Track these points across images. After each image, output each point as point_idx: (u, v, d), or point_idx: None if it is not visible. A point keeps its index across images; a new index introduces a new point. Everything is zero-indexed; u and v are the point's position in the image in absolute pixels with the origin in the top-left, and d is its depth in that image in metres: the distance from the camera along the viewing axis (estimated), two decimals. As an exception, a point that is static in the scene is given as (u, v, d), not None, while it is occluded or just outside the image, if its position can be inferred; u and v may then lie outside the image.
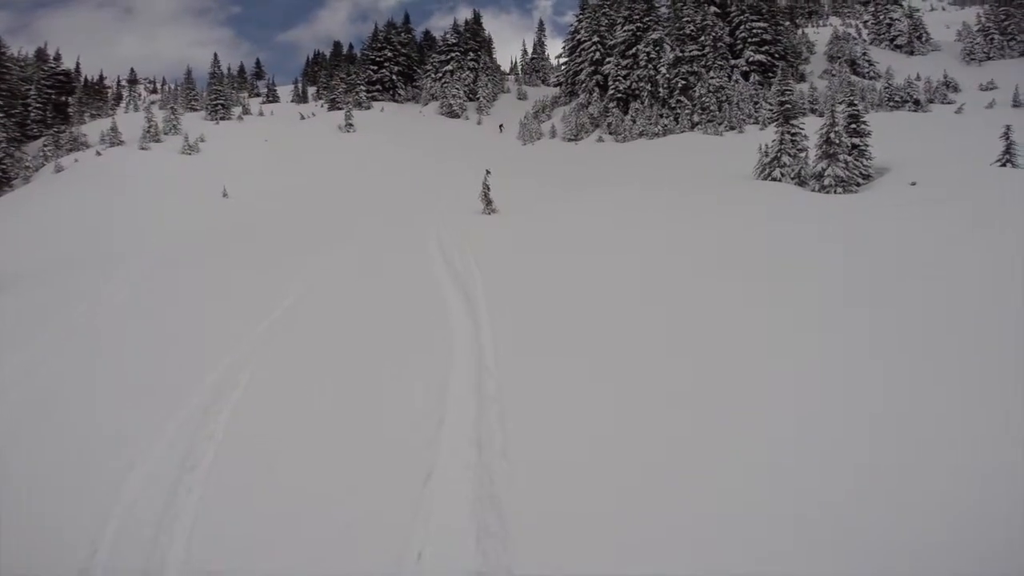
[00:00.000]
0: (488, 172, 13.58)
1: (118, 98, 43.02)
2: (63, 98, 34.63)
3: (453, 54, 39.93)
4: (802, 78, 29.03)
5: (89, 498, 3.46)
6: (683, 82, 26.54)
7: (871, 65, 29.92)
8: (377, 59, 40.77)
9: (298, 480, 3.49)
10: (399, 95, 40.76)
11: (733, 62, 28.49)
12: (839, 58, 30.36)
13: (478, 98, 37.48)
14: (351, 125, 30.77)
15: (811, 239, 7.53)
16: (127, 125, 26.90)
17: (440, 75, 39.32)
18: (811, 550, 2.47)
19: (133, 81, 51.95)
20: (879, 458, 2.99)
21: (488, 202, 12.93)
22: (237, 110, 33.11)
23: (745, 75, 27.89)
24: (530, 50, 46.26)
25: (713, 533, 2.64)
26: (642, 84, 27.47)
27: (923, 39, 33.99)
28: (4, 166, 24.49)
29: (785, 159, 13.52)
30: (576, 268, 7.24)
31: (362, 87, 37.62)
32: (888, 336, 4.30)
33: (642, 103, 27.09)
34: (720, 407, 3.65)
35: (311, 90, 42.43)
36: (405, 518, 3.01)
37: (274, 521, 3.15)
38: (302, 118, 33.20)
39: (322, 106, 37.50)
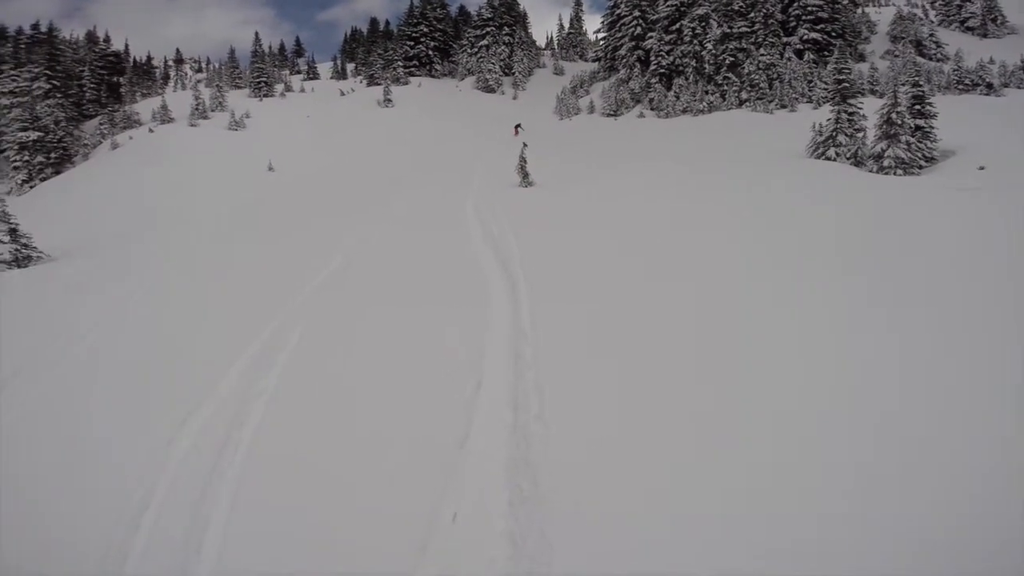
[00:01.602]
0: (525, 145, 13.47)
1: (166, 78, 44.45)
2: (115, 79, 35.93)
3: (488, 29, 39.37)
4: (861, 58, 27.48)
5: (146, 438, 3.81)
6: (731, 59, 25.47)
7: (939, 47, 28.05)
8: (413, 35, 40.65)
9: (341, 435, 3.58)
10: (435, 70, 40.69)
11: (785, 39, 27.14)
12: (903, 38, 28.58)
13: (513, 73, 37.05)
14: (389, 100, 30.97)
15: (868, 221, 7.08)
16: (176, 103, 27.88)
17: (475, 50, 38.94)
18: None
19: (179, 61, 53.43)
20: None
21: (525, 175, 12.77)
22: (279, 87, 33.74)
23: (799, 53, 26.57)
24: (567, 25, 45.19)
25: (742, 507, 2.58)
26: (686, 60, 26.52)
27: (998, 21, 31.35)
28: (64, 144, 25.75)
29: (841, 138, 12.99)
30: (615, 241, 7.11)
31: (399, 63, 37.70)
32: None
33: (686, 79, 26.20)
34: (756, 386, 3.52)
35: (350, 67, 42.76)
36: (441, 478, 3.05)
37: (315, 473, 3.25)
38: (342, 94, 33.59)
39: (361, 82, 37.81)
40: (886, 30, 30.03)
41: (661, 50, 27.48)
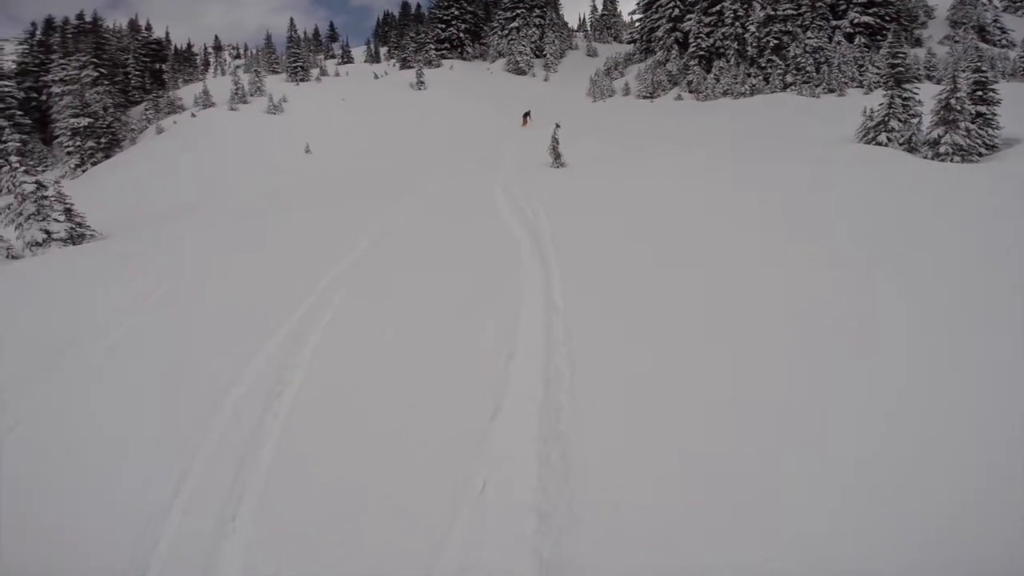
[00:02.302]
0: (558, 126, 13.24)
1: (206, 64, 45.66)
2: (157, 65, 37.17)
3: (519, 11, 38.81)
4: (917, 43, 25.95)
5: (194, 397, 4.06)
6: (775, 41, 24.38)
7: (1004, 32, 26.26)
8: (444, 17, 40.50)
9: (372, 405, 3.66)
10: (467, 53, 40.51)
11: (835, 23, 25.81)
12: (964, 24, 26.88)
13: (545, 55, 36.54)
14: (422, 83, 31.05)
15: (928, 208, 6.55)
16: (216, 88, 28.68)
17: (506, 32, 38.53)
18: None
19: (218, 48, 54.72)
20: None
21: (557, 155, 12.58)
22: (315, 72, 34.22)
23: (849, 37, 25.23)
24: (600, 6, 44.13)
25: (776, 482, 2.53)
26: (727, 42, 25.54)
27: (1069, 8, 29.16)
28: (113, 130, 26.91)
29: (894, 124, 12.28)
30: (650, 223, 6.93)
31: (431, 45, 37.69)
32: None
33: (727, 61, 25.25)
34: (791, 375, 3.39)
35: (383, 50, 43.00)
36: (471, 449, 3.08)
37: (346, 441, 3.35)
38: (376, 77, 33.86)
39: (394, 65, 37.99)
40: (945, 15, 28.44)
41: (700, 32, 26.57)
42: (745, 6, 25.27)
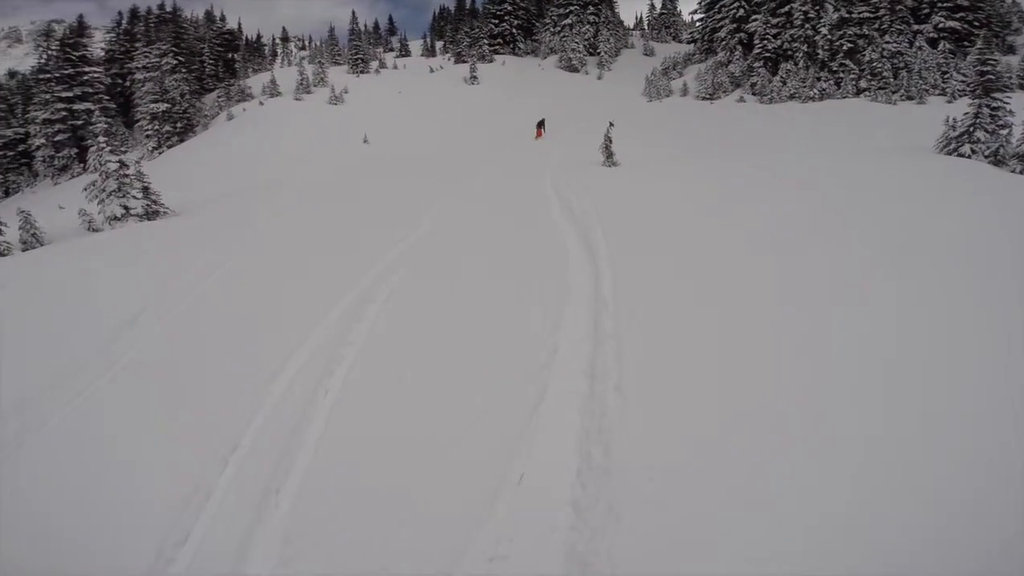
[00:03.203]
0: (611, 124, 12.98)
1: (273, 54, 47.80)
2: (230, 55, 39.21)
3: (572, 7, 38.51)
4: (1010, 50, 23.84)
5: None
6: (849, 45, 23.09)
7: None
8: (497, 12, 40.79)
9: (417, 391, 3.73)
10: (519, 48, 40.63)
11: (916, 27, 24.12)
12: None
13: (599, 52, 36.08)
14: (475, 77, 31.41)
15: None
16: (282, 78, 30.07)
17: (559, 29, 38.33)
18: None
19: (285, 39, 57.19)
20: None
21: (609, 154, 12.31)
22: (374, 64, 35.26)
23: (932, 42, 23.50)
24: (658, 5, 43.18)
25: (820, 503, 2.39)
26: (796, 44, 24.41)
27: None
28: (188, 115, 28.67)
29: (980, 134, 11.36)
30: (706, 227, 6.64)
31: (484, 40, 38.02)
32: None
33: (795, 64, 24.13)
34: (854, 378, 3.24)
35: (438, 44, 43.72)
36: (512, 439, 3.07)
37: (392, 424, 3.40)
38: (431, 71, 34.55)
39: (449, 59, 38.63)
40: (1042, 22, 25.93)
41: (767, 33, 25.52)
42: (816, 8, 24.06)
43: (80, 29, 32.35)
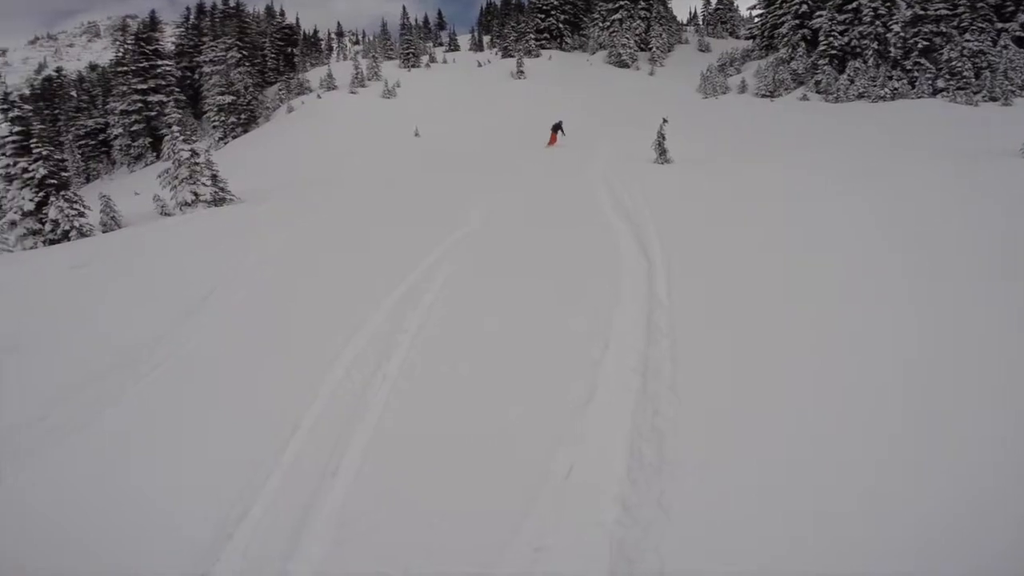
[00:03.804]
0: (665, 120, 12.67)
1: (329, 49, 49.38)
2: (289, 49, 40.73)
3: (622, 2, 37.63)
4: None
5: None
6: (925, 43, 21.69)
7: None
8: (544, 7, 40.58)
9: (470, 380, 3.78)
10: (566, 43, 40.33)
11: (1001, 25, 22.38)
12: None
13: (650, 48, 35.25)
14: (522, 72, 31.45)
15: None
16: (338, 72, 31.11)
17: (608, 24, 37.66)
18: None
19: (340, 34, 58.93)
20: None
21: (662, 151, 12.04)
22: (424, 59, 35.89)
23: (1019, 40, 21.79)
24: (714, 0, 41.63)
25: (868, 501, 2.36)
26: (866, 42, 23.14)
27: None
28: (252, 107, 30.09)
29: (1074, 135, 10.47)
30: (766, 230, 6.38)
31: (531, 35, 37.93)
32: None
33: (864, 62, 22.90)
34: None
35: (485, 39, 43.97)
36: (562, 433, 3.08)
37: (444, 413, 3.45)
38: (479, 65, 34.87)
39: (496, 54, 38.83)
40: None
41: (833, 30, 24.32)
42: (888, 4, 22.73)
43: (152, 24, 34.58)
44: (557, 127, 17.52)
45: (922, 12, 21.90)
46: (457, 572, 2.42)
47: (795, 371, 3.42)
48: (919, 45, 21.81)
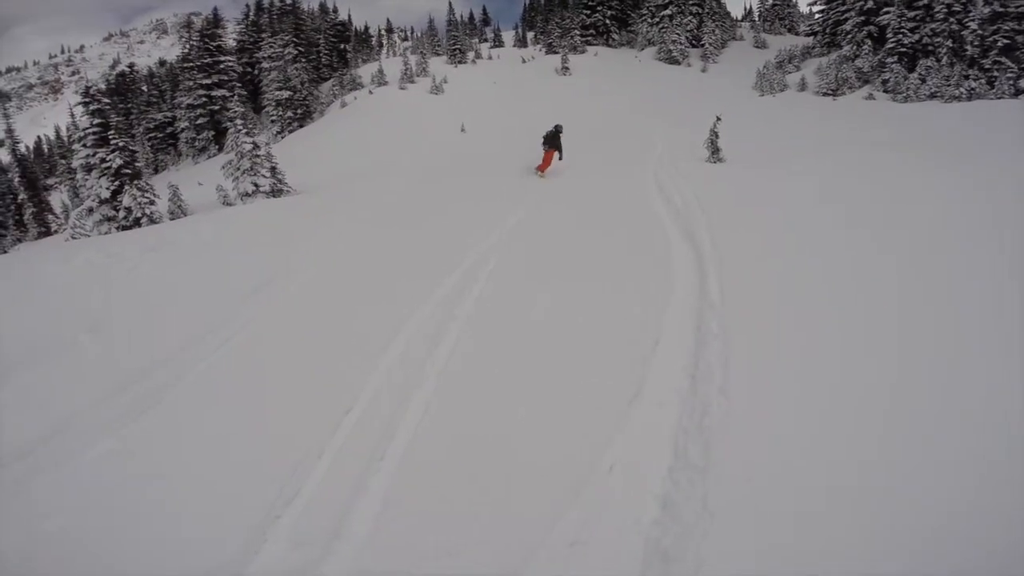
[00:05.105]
0: (718, 118, 12.33)
1: (379, 45, 50.55)
2: (342, 46, 41.94)
3: (672, -2, 36.71)
4: None
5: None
6: (1005, 41, 20.18)
7: None
8: (589, 3, 40.08)
9: (517, 372, 3.83)
10: (612, 40, 39.72)
11: None
12: None
13: (703, 44, 34.23)
14: (567, 68, 31.26)
15: None
16: (388, 68, 31.86)
17: (657, 19, 36.79)
18: None
19: (389, 31, 60.21)
20: None
21: (715, 149, 11.68)
22: (471, 55, 36.27)
23: None
24: (771, -4, 40.02)
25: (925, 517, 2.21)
26: (939, 39, 21.76)
27: None
28: (307, 103, 31.23)
29: None
30: (830, 228, 6.11)
31: (576, 31, 37.59)
32: None
33: (937, 60, 21.53)
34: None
35: (530, 35, 43.90)
36: (606, 429, 3.09)
37: (490, 404, 3.49)
38: (523, 61, 34.95)
39: (540, 50, 38.73)
40: None
41: (902, 27, 22.96)
42: (963, 1, 21.25)
43: (215, 21, 36.32)
44: (553, 140, 11.65)
45: (1002, 9, 20.39)
46: (493, 553, 2.49)
47: (853, 379, 3.29)
48: (999, 43, 20.33)
